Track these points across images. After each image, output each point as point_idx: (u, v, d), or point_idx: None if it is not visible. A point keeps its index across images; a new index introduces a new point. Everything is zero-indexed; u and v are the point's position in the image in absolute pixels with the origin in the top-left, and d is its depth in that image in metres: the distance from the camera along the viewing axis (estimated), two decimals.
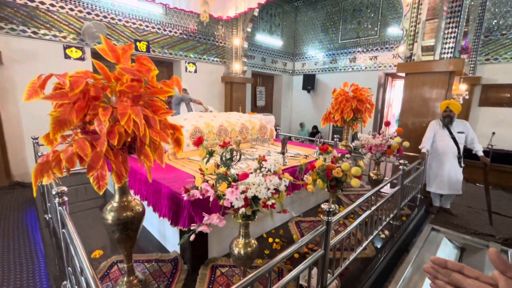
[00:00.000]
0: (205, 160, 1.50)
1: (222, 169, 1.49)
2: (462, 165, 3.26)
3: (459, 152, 3.22)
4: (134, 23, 5.06)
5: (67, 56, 4.38)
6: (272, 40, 7.96)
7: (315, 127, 7.93)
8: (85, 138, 1.08)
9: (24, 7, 3.95)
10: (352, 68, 7.29)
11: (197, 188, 1.45)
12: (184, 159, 2.66)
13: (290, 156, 2.98)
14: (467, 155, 3.51)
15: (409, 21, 3.72)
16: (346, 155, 2.28)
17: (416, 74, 3.72)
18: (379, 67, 6.85)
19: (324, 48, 7.84)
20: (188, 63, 5.98)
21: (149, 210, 2.11)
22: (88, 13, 4.53)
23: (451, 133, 3.23)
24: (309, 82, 8.05)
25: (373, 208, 2.05)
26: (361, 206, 2.82)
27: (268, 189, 1.28)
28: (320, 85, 8.08)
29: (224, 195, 1.35)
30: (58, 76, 1.05)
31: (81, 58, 4.51)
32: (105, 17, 4.71)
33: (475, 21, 5.30)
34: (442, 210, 3.50)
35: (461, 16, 3.42)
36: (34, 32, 4.06)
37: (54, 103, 1.06)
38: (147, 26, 5.23)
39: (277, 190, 1.36)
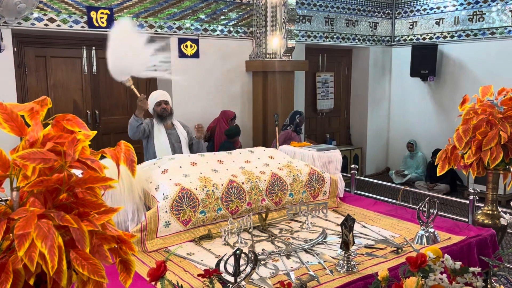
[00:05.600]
0: None
1: None
2: None
3: None
4: None
5: None
6: None
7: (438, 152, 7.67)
8: None
9: None
10: None
11: None
12: (160, 250, 2.86)
13: (365, 248, 2.94)
14: None
15: None
16: (476, 269, 2.18)
17: None
18: None
19: None
20: (184, 41, 6.31)
21: None
22: None
23: None
24: (426, 61, 7.98)
25: None
26: None
27: None
28: (449, 66, 8.08)
29: None
30: None
31: None
32: None
33: None
34: None
35: None
36: None
37: None
38: None
39: None
